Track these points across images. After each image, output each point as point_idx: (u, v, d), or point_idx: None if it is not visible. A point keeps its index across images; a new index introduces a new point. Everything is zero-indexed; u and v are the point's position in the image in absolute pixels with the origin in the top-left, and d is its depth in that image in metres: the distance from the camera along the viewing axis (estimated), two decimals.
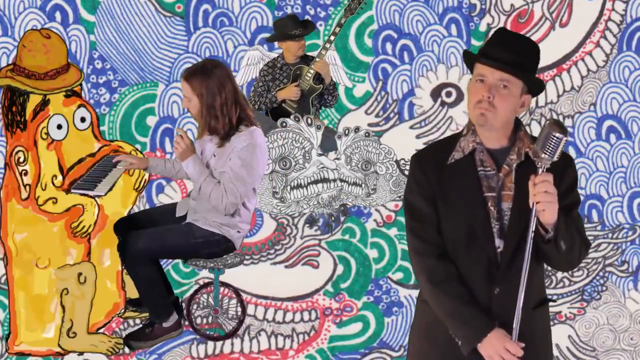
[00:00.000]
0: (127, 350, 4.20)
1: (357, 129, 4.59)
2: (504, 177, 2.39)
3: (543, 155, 2.20)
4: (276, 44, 4.66)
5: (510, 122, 2.42)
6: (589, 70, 4.79)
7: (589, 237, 4.73)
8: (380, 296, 4.77)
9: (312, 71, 4.58)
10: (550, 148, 2.18)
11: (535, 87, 2.43)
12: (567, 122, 4.81)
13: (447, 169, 2.41)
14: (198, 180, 3.68)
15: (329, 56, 4.62)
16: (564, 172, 2.39)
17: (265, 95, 4.66)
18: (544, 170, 2.22)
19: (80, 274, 4.08)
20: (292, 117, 4.54)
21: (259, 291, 4.61)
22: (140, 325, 4.19)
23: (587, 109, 4.79)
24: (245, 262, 4.51)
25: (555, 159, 2.20)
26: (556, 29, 4.73)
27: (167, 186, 4.65)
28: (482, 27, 4.74)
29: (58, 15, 4.51)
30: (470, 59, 2.42)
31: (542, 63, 4.80)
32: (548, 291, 4.41)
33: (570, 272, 4.75)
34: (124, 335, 4.23)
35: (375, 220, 4.77)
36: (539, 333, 2.50)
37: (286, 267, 4.72)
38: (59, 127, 4.04)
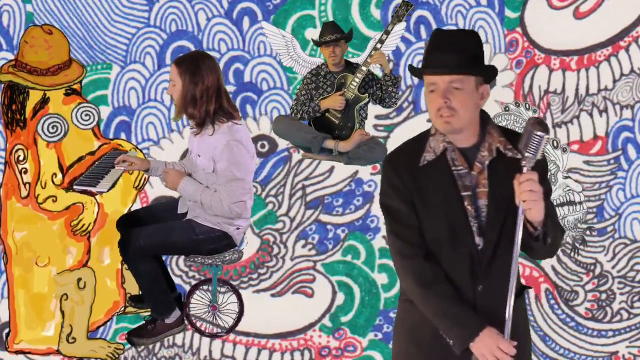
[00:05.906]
0: (127, 354, 4.41)
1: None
2: (477, 175, 2.59)
3: (527, 154, 2.39)
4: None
5: (475, 119, 2.61)
6: None
7: None
8: (390, 332, 4.33)
9: (357, 80, 4.68)
10: (534, 147, 2.38)
11: (488, 75, 2.62)
12: (626, 114, 4.62)
13: (420, 171, 2.62)
14: (197, 198, 3.98)
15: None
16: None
17: (308, 105, 4.73)
18: (529, 169, 2.41)
19: (79, 279, 4.29)
20: (513, 102, 4.66)
21: (239, 326, 4.38)
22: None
23: None
24: (221, 290, 4.42)
25: (538, 157, 2.39)
26: None
27: None
28: None
29: None
30: (416, 73, 2.65)
31: (594, 40, 4.71)
32: (602, 326, 4.60)
33: (630, 303, 4.57)
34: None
35: (384, 237, 4.60)
36: (522, 323, 2.71)
37: (273, 296, 4.60)
38: (55, 127, 4.28)
